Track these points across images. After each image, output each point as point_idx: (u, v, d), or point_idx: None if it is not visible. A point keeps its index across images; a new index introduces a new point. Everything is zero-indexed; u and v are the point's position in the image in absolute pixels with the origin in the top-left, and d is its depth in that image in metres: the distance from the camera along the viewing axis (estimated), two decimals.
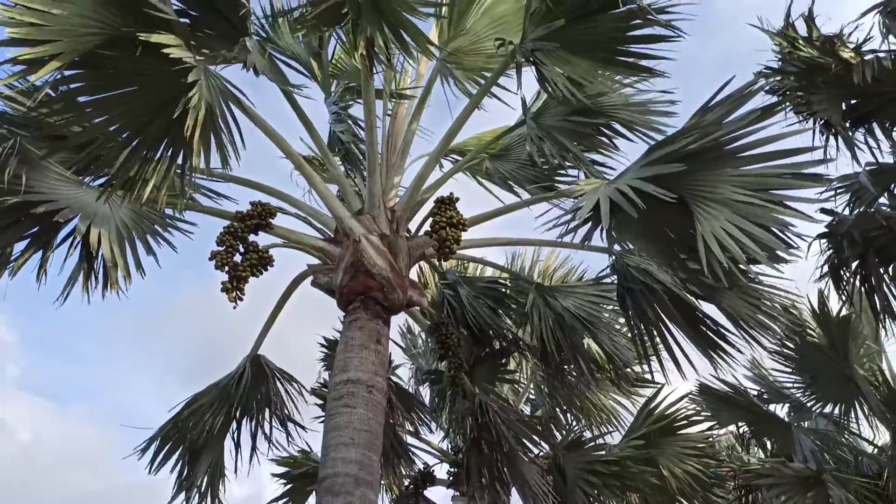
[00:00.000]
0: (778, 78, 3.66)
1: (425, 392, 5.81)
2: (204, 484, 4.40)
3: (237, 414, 4.36)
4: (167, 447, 4.29)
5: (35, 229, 3.54)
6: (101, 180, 3.69)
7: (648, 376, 4.26)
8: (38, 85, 3.00)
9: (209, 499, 4.42)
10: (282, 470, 5.34)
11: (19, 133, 3.27)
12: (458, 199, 3.72)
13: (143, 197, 3.20)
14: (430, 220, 3.53)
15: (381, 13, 3.08)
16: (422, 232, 3.74)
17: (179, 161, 3.19)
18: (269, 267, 3.43)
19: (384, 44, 3.15)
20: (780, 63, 3.69)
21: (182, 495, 4.32)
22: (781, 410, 5.20)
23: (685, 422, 4.57)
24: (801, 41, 3.59)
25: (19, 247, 3.57)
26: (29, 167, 3.27)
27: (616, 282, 4.04)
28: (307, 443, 4.80)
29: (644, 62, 3.38)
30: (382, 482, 5.11)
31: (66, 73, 2.84)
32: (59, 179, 3.48)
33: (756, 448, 5.63)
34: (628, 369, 4.45)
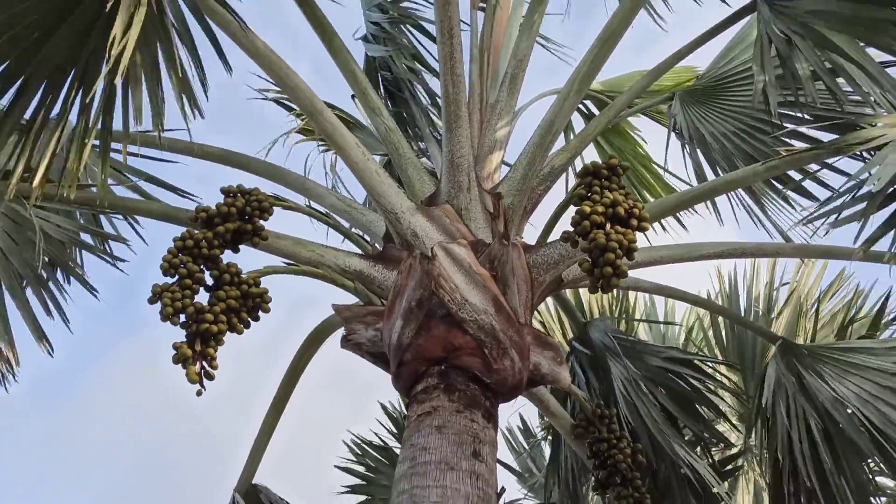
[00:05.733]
0: None
1: None
2: None
3: None
4: None
5: None
6: None
7: None
8: None
9: None
10: None
11: None
12: (626, 168, 3.28)
13: (37, 183, 3.04)
14: (574, 211, 3.16)
15: None
16: (553, 236, 3.51)
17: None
18: (261, 311, 3.23)
19: None
20: None
21: None
22: None
23: None
24: None
25: None
26: None
27: None
28: None
29: None
30: None
31: None
32: None
33: None
34: None
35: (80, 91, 3.18)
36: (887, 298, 4.79)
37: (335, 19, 3.78)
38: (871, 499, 4.13)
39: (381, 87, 4.59)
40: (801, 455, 3.95)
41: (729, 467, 4.69)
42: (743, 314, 5.03)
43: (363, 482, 5.23)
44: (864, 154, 3.46)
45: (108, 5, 2.76)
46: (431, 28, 4.48)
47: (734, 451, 4.68)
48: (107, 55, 3.06)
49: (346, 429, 5.36)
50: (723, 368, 4.84)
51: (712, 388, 4.59)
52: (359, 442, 5.27)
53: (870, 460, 4.11)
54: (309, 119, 3.76)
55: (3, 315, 3.33)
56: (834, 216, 3.02)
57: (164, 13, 2.98)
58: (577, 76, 3.66)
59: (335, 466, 5.27)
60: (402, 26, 4.46)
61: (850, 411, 3.95)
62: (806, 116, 4.20)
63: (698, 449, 4.48)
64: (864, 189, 2.93)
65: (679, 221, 4.78)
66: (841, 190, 3.02)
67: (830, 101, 3.96)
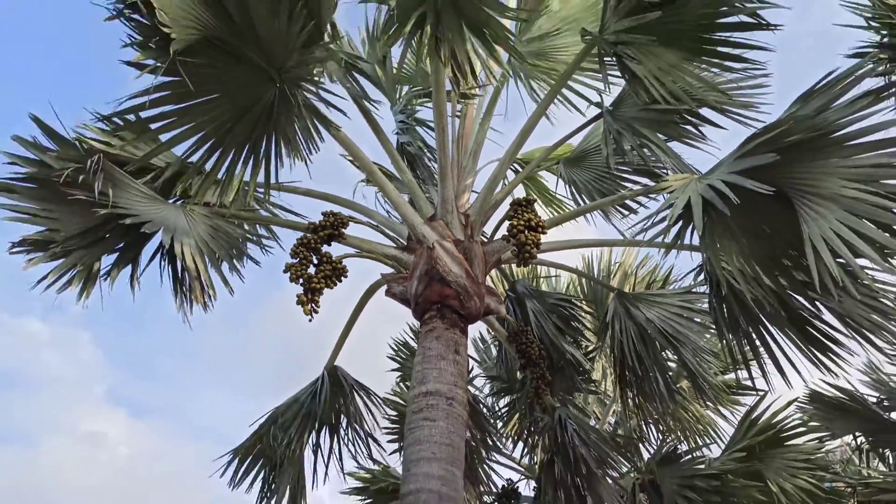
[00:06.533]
0: (880, 57, 3.40)
1: (503, 406, 5.64)
2: (286, 499, 4.46)
3: (317, 427, 4.40)
4: (248, 462, 4.40)
5: (121, 245, 3.65)
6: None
7: (748, 384, 3.97)
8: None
9: None
10: (358, 485, 5.31)
11: (101, 150, 3.37)
12: (535, 201, 3.63)
13: (230, 201, 3.36)
14: (507, 223, 3.41)
15: (461, 16, 3.02)
16: (497, 237, 3.65)
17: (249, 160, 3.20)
18: (343, 278, 3.43)
19: (459, 48, 3.04)
20: (881, 37, 3.43)
21: None
22: None
23: (793, 432, 4.18)
24: None
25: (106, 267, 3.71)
26: (113, 185, 3.32)
27: (708, 289, 3.63)
28: (383, 457, 4.79)
29: (735, 51, 3.13)
30: (466, 498, 4.98)
31: (161, 78, 2.81)
32: (141, 197, 3.52)
33: (876, 461, 5.22)
34: (727, 376, 4.24)
35: (252, 157, 3.37)
36: (671, 270, 5.32)
37: (381, 120, 4.05)
38: (667, 373, 4.43)
39: (405, 156, 4.85)
40: (627, 349, 4.29)
41: (591, 356, 5.08)
42: (596, 276, 5.42)
43: (399, 366, 5.57)
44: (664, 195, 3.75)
45: (260, 112, 3.06)
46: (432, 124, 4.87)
47: (593, 347, 5.09)
48: (264, 143, 3.32)
49: (390, 336, 5.71)
50: (586, 304, 5.23)
51: (581, 314, 4.89)
52: (396, 344, 5.67)
53: (665, 351, 4.43)
54: (368, 175, 4.12)
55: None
56: (647, 232, 2.96)
57: (301, 115, 3.24)
58: (509, 152, 3.92)
59: (386, 357, 5.60)
60: (413, 124, 4.82)
61: (654, 325, 4.33)
62: (630, 170, 4.57)
63: (574, 345, 4.78)
64: (664, 214, 2.93)
65: (558, 228, 4.87)
66: (651, 217, 2.97)
67: (642, 165, 4.31)
